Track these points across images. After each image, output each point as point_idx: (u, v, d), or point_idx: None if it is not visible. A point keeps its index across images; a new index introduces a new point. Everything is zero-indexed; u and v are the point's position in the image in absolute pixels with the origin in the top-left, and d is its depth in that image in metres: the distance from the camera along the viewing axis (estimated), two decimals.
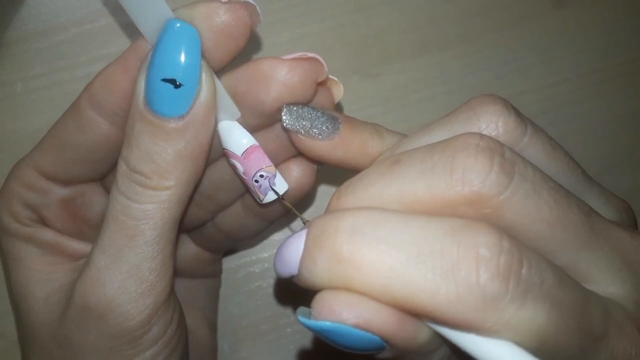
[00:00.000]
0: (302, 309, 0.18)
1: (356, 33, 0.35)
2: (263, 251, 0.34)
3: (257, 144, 0.23)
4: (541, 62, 0.36)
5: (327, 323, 0.17)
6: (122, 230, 0.21)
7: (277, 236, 0.34)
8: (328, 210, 0.19)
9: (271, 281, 0.34)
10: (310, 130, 0.22)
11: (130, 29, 0.32)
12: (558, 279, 0.17)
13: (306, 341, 0.34)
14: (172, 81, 0.20)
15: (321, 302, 0.17)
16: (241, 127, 0.23)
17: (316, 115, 0.23)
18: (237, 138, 0.23)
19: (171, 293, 0.23)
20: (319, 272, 0.17)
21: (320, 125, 0.22)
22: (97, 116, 0.22)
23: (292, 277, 0.18)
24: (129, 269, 0.21)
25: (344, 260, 0.17)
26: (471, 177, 0.17)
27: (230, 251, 0.34)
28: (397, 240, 0.16)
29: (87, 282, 0.21)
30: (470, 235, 0.16)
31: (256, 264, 0.34)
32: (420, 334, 0.18)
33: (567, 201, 0.18)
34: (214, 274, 0.32)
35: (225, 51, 0.21)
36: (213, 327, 0.31)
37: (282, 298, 0.34)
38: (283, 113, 0.22)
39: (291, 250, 0.18)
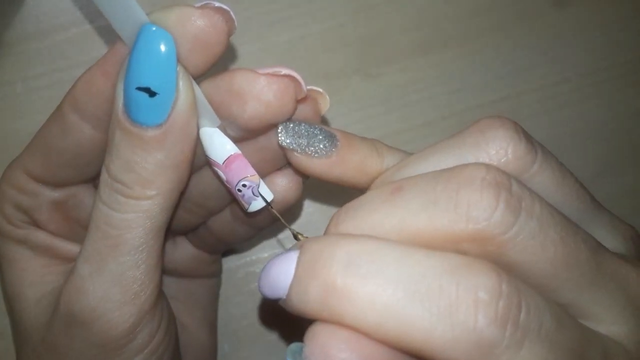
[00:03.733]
0: (292, 347, 0.18)
1: (356, 33, 0.35)
2: (263, 251, 0.34)
3: (239, 152, 0.22)
4: (541, 62, 0.36)
5: None
6: (105, 240, 0.21)
7: (279, 236, 0.34)
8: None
9: None
10: (307, 149, 0.22)
11: None
12: (557, 321, 0.16)
13: None
14: (147, 90, 0.19)
15: (314, 341, 0.16)
16: (222, 134, 0.22)
17: (313, 132, 0.22)
18: (218, 146, 0.22)
19: (157, 301, 0.22)
20: (310, 302, 0.16)
21: (317, 144, 0.22)
22: (79, 120, 0.22)
23: (279, 300, 0.18)
24: (112, 278, 0.21)
25: (337, 293, 0.16)
26: (476, 214, 0.16)
27: (230, 251, 0.34)
28: (394, 275, 0.16)
29: (71, 290, 0.21)
30: (470, 275, 0.16)
31: (256, 264, 0.34)
32: None
33: (574, 238, 0.17)
34: (213, 273, 0.32)
35: (202, 58, 0.20)
36: (213, 327, 0.31)
37: None
38: (279, 130, 0.22)
39: (279, 273, 0.17)
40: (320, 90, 0.23)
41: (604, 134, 0.36)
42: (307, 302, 0.16)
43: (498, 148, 0.19)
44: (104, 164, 0.21)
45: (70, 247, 0.24)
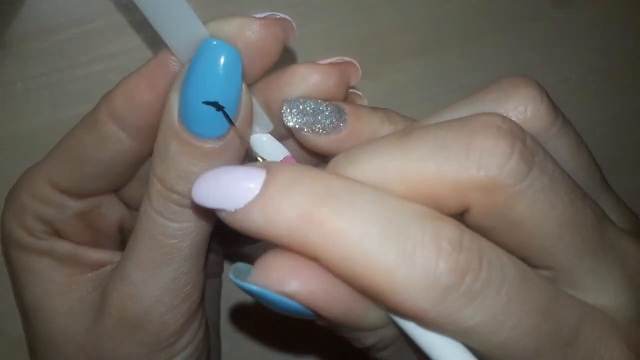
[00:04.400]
0: (238, 266, 0.17)
1: (356, 33, 0.35)
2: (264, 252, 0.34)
3: (289, 154, 0.22)
4: (541, 62, 0.36)
5: (260, 289, 0.16)
6: (160, 249, 0.21)
7: None
8: None
9: None
10: (314, 126, 0.21)
11: (130, 29, 0.32)
12: (521, 279, 0.16)
13: (307, 341, 0.34)
14: (214, 104, 0.19)
15: (267, 268, 0.16)
16: (274, 139, 0.22)
17: (319, 109, 0.21)
18: (270, 151, 0.22)
19: (201, 302, 0.23)
20: (278, 223, 0.16)
21: (324, 120, 0.21)
22: (119, 131, 0.21)
23: (219, 211, 0.16)
24: (166, 284, 0.21)
25: (313, 219, 0.15)
26: (489, 160, 0.16)
27: (231, 251, 0.34)
28: (371, 214, 0.16)
29: (125, 296, 0.21)
30: (436, 225, 0.16)
31: None
32: (367, 318, 0.17)
33: (582, 203, 0.17)
34: (216, 274, 0.32)
35: (259, 67, 0.20)
36: (215, 327, 0.31)
37: None
38: (283, 110, 0.21)
39: (238, 184, 0.16)
40: (359, 93, 0.23)
41: (603, 134, 0.36)
42: (274, 221, 0.16)
43: (517, 104, 0.18)
44: (153, 174, 0.21)
45: (94, 255, 0.24)
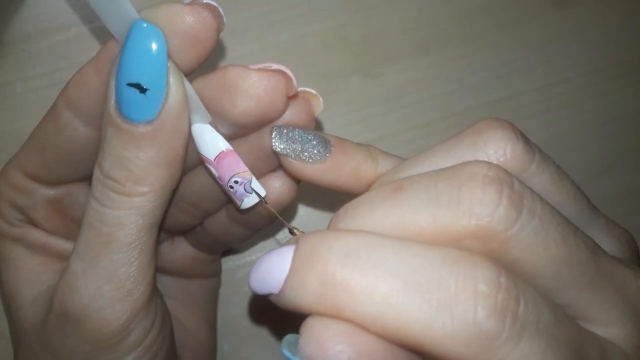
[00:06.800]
0: (288, 338, 0.17)
1: (356, 33, 0.35)
2: (262, 251, 0.34)
3: (230, 148, 0.22)
4: (541, 62, 0.36)
5: None
6: (97, 237, 0.21)
7: (277, 236, 0.34)
8: None
9: None
10: (301, 154, 0.22)
11: None
12: (554, 317, 0.16)
13: None
14: (137, 85, 0.19)
15: (310, 333, 0.16)
16: (214, 130, 0.22)
17: (307, 138, 0.22)
18: (209, 142, 0.22)
19: (151, 299, 0.22)
20: (306, 295, 0.16)
21: (311, 149, 0.22)
22: (73, 118, 0.22)
23: (270, 295, 0.17)
24: (105, 275, 0.21)
25: (336, 284, 0.16)
26: (478, 210, 0.16)
27: (229, 251, 0.34)
28: (394, 267, 0.16)
29: (65, 288, 0.21)
30: (469, 268, 0.16)
31: None
32: None
33: (575, 238, 0.17)
34: (213, 274, 0.32)
35: (192, 54, 0.20)
36: (212, 327, 0.31)
37: None
38: (272, 136, 0.22)
39: (273, 267, 0.17)
40: (313, 91, 0.23)
41: (603, 134, 0.36)
42: (303, 295, 0.16)
43: (496, 148, 0.19)
44: (96, 161, 0.21)
45: (66, 246, 0.24)
